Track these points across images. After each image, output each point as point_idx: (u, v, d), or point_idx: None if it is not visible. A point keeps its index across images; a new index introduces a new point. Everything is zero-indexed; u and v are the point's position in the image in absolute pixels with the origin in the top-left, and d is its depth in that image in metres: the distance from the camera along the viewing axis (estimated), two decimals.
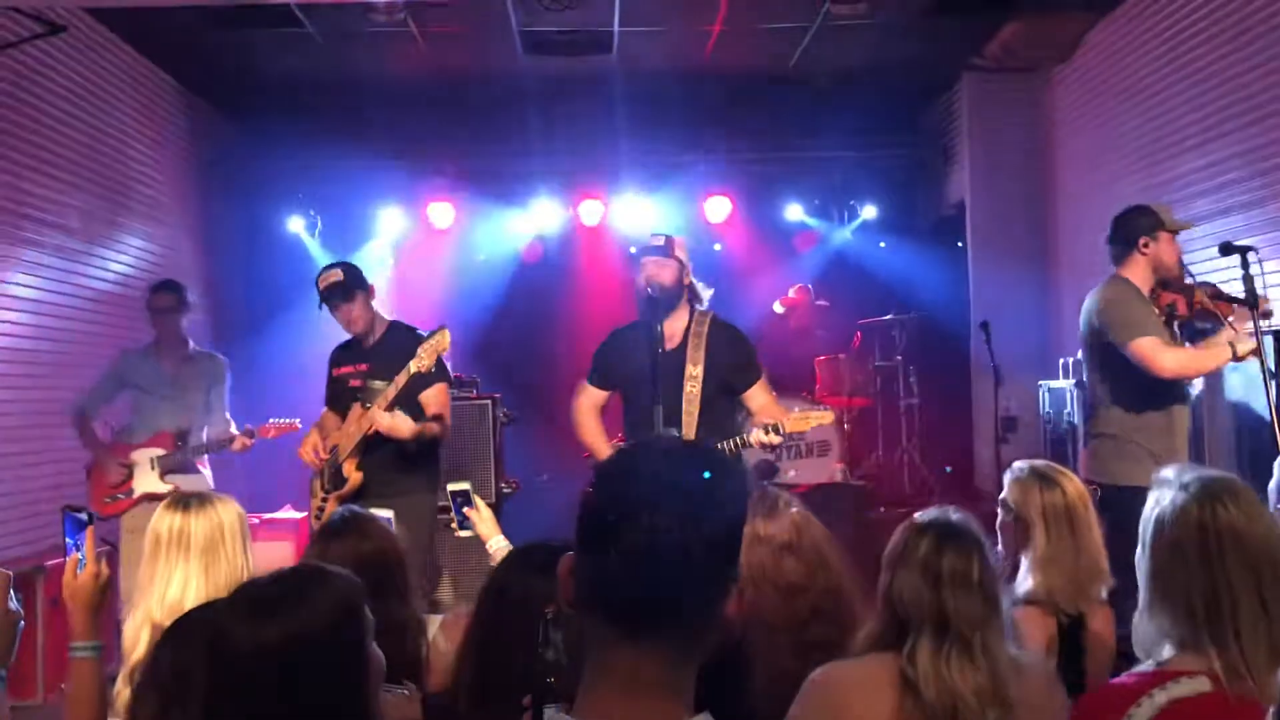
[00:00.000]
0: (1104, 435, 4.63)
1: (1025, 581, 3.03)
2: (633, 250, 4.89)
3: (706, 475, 1.34)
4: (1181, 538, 1.96)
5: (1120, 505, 4.20)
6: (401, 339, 5.12)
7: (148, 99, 8.21)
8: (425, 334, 4.93)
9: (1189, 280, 4.69)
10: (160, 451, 5.92)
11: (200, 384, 6.12)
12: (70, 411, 6.04)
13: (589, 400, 4.91)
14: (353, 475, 5.03)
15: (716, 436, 4.63)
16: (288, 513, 6.97)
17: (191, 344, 6.21)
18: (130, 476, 5.91)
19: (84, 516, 2.78)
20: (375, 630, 2.31)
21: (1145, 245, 4.62)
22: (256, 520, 6.88)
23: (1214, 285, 4.74)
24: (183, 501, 3.05)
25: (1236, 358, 4.38)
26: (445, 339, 4.82)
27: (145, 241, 8.04)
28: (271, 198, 9.75)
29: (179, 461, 5.95)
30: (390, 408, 4.86)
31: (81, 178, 7.12)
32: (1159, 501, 2.03)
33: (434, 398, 5.05)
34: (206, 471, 6.15)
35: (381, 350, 5.17)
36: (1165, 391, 4.54)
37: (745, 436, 4.54)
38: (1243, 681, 1.89)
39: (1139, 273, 4.65)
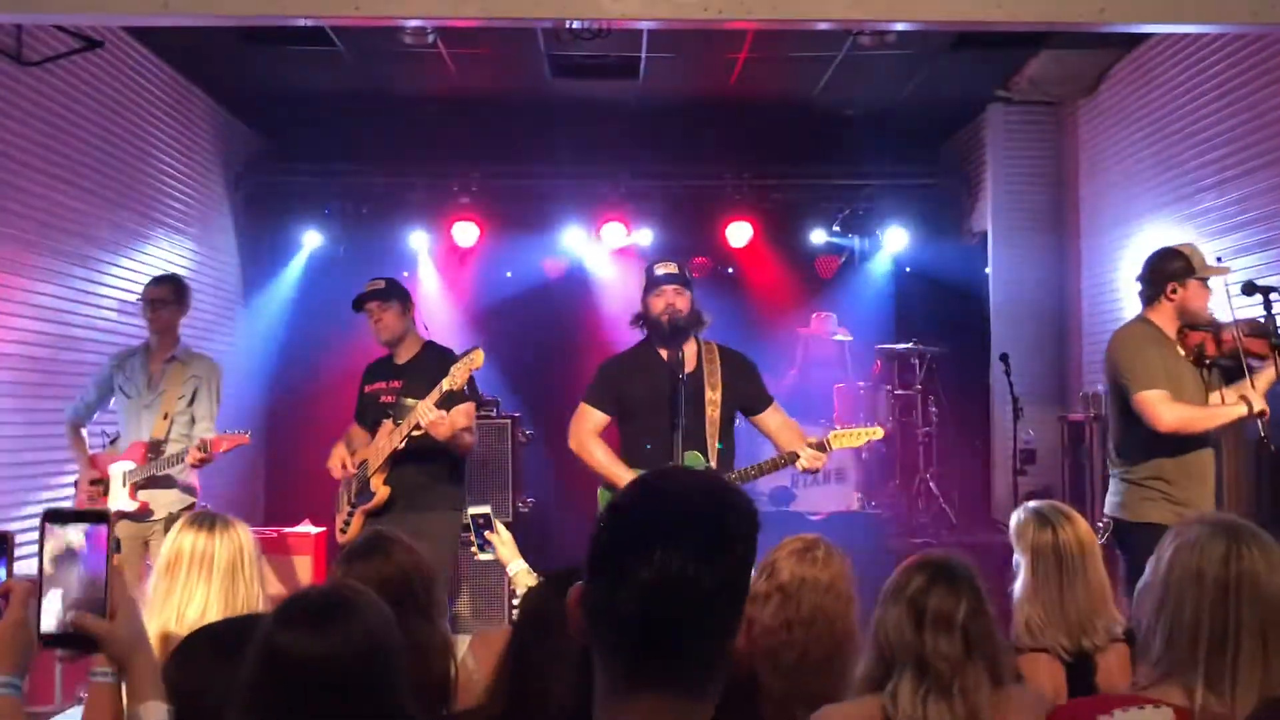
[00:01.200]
0: (1123, 478, 4.63)
1: (1013, 618, 3.07)
2: (656, 273, 4.80)
3: (720, 509, 1.34)
4: (1204, 569, 1.98)
5: (1133, 541, 4.42)
6: (435, 359, 5.27)
7: (179, 113, 8.31)
8: (458, 354, 5.04)
9: (1229, 320, 4.55)
10: (132, 465, 5.39)
11: (183, 390, 5.52)
12: (65, 420, 5.69)
13: (593, 425, 4.79)
14: (380, 489, 5.14)
15: (731, 459, 4.77)
16: (306, 527, 6.99)
17: (181, 345, 5.69)
18: (105, 492, 5.41)
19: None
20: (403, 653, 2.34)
21: (1173, 291, 4.57)
22: (275, 534, 6.91)
23: (1255, 320, 4.59)
24: (206, 521, 3.07)
25: (1251, 414, 4.37)
26: (479, 358, 4.91)
27: (172, 254, 8.13)
28: (299, 213, 9.83)
29: (150, 476, 5.36)
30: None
31: (112, 190, 7.22)
32: (1185, 534, 2.06)
33: (463, 414, 5.15)
34: (193, 481, 5.54)
35: (414, 369, 5.31)
36: (1183, 439, 4.50)
37: (791, 456, 4.64)
38: (1226, 716, 1.91)
39: (1164, 317, 4.61)
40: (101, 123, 7.07)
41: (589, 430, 4.77)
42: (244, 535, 3.08)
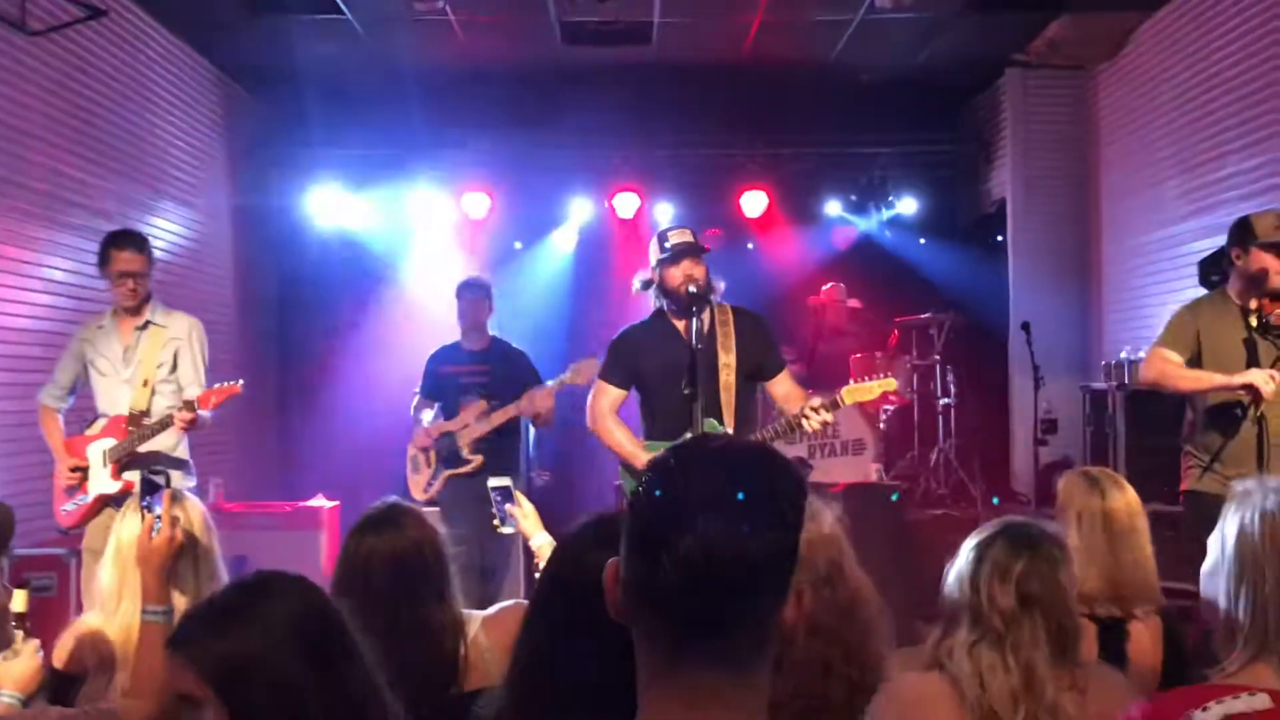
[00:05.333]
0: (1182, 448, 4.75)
1: None
2: (666, 245, 4.69)
3: (767, 474, 1.26)
4: (1277, 545, 1.88)
5: (1185, 509, 4.61)
6: (511, 351, 6.38)
7: (184, 83, 8.21)
8: (518, 350, 6.40)
9: None
10: (111, 442, 4.84)
11: (162, 355, 4.96)
12: (38, 404, 5.13)
13: (609, 401, 4.76)
14: (474, 458, 6.05)
15: (749, 425, 4.69)
16: (319, 501, 6.93)
17: (154, 303, 5.07)
18: (86, 477, 4.86)
19: (160, 480, 2.83)
20: (409, 632, 2.23)
21: (1237, 257, 4.51)
22: (289, 509, 6.85)
23: None
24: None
25: (1230, 385, 4.32)
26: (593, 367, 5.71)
27: (180, 226, 8.04)
28: (307, 185, 9.70)
29: (132, 452, 4.82)
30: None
31: (118, 161, 7.12)
32: (1246, 504, 1.95)
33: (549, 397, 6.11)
34: (186, 455, 5.07)
35: (495, 357, 6.29)
36: (1211, 405, 4.51)
37: (799, 419, 4.39)
38: None
39: (1234, 284, 4.56)
40: (106, 93, 6.97)
41: (606, 408, 4.73)
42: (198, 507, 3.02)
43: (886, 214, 10.32)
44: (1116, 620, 2.97)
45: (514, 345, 6.45)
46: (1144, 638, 3.00)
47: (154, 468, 4.47)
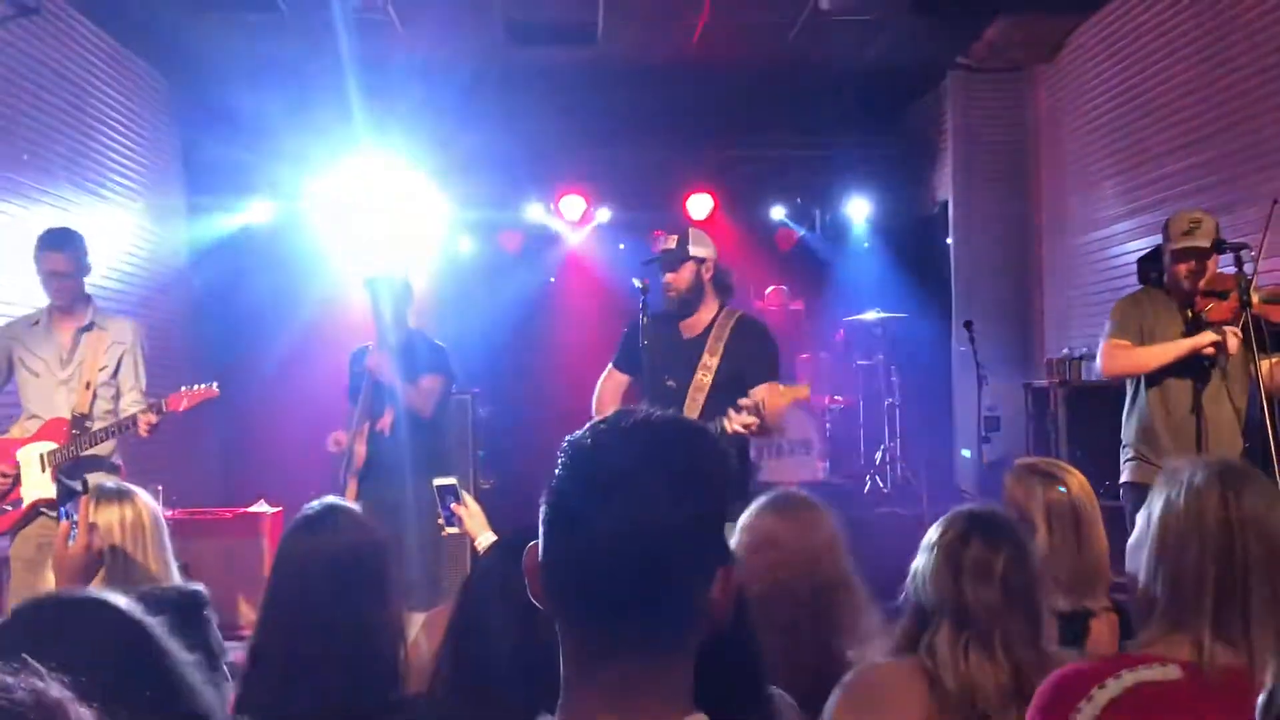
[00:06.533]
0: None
1: None
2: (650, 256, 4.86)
3: (685, 449, 1.22)
4: (1203, 512, 1.88)
5: (1124, 501, 4.66)
6: (422, 345, 5.73)
7: (121, 85, 8.06)
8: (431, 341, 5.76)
9: (1245, 281, 4.40)
10: (53, 445, 4.65)
11: (105, 359, 4.87)
12: None
13: (612, 383, 4.91)
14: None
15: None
16: (261, 507, 6.82)
17: (95, 308, 4.97)
18: (17, 482, 4.63)
19: (77, 485, 2.74)
20: (346, 634, 2.19)
21: (1164, 257, 4.66)
22: (230, 515, 6.75)
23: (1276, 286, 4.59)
24: (117, 493, 2.92)
25: (1199, 346, 4.42)
26: None
27: (124, 232, 7.89)
28: (248, 186, 9.59)
29: (74, 455, 4.64)
30: None
31: (52, 162, 6.97)
32: (1174, 481, 1.96)
33: (429, 381, 5.58)
34: (118, 460, 4.90)
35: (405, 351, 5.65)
36: (1140, 393, 4.64)
37: (721, 422, 4.28)
38: (1239, 668, 1.81)
39: (1169, 280, 4.68)
40: (39, 93, 6.82)
41: (607, 388, 4.92)
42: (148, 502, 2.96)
43: (831, 216, 10.39)
44: (1077, 613, 2.94)
45: (438, 344, 5.92)
46: (1103, 632, 3.01)
47: (70, 474, 4.40)
